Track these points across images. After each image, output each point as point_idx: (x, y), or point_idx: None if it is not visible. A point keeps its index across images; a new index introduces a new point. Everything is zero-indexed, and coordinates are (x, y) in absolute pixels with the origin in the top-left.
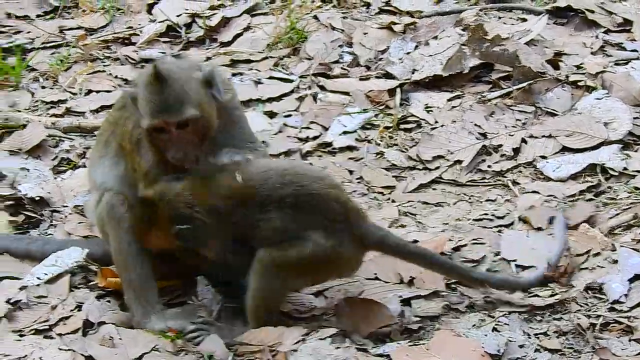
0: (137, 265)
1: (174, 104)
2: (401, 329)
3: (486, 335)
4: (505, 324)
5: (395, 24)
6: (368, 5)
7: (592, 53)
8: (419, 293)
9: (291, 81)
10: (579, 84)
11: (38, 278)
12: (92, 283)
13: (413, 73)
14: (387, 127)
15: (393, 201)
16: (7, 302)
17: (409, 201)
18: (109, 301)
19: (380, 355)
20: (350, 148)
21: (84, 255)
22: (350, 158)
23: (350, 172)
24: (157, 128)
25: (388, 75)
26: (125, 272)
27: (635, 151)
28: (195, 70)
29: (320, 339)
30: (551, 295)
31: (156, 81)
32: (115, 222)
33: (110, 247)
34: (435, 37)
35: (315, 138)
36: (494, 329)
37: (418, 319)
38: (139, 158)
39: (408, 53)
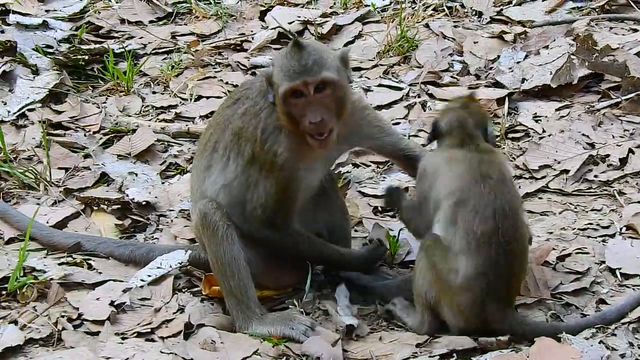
0: (235, 273)
1: (313, 66)
2: (506, 337)
3: (592, 345)
4: (613, 334)
5: (506, 33)
6: (480, 14)
7: None
8: (524, 301)
9: (401, 89)
10: None
11: (142, 280)
12: (196, 289)
13: (522, 82)
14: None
15: None
16: (111, 304)
17: None
18: (212, 304)
19: None
20: None
21: (187, 257)
22: None
23: None
24: (296, 91)
25: (497, 84)
26: (224, 280)
27: None
28: (330, 50)
29: (430, 357)
30: None
31: (296, 48)
32: (210, 230)
33: (207, 254)
34: (546, 47)
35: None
36: (601, 341)
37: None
38: (274, 147)
39: (518, 62)
